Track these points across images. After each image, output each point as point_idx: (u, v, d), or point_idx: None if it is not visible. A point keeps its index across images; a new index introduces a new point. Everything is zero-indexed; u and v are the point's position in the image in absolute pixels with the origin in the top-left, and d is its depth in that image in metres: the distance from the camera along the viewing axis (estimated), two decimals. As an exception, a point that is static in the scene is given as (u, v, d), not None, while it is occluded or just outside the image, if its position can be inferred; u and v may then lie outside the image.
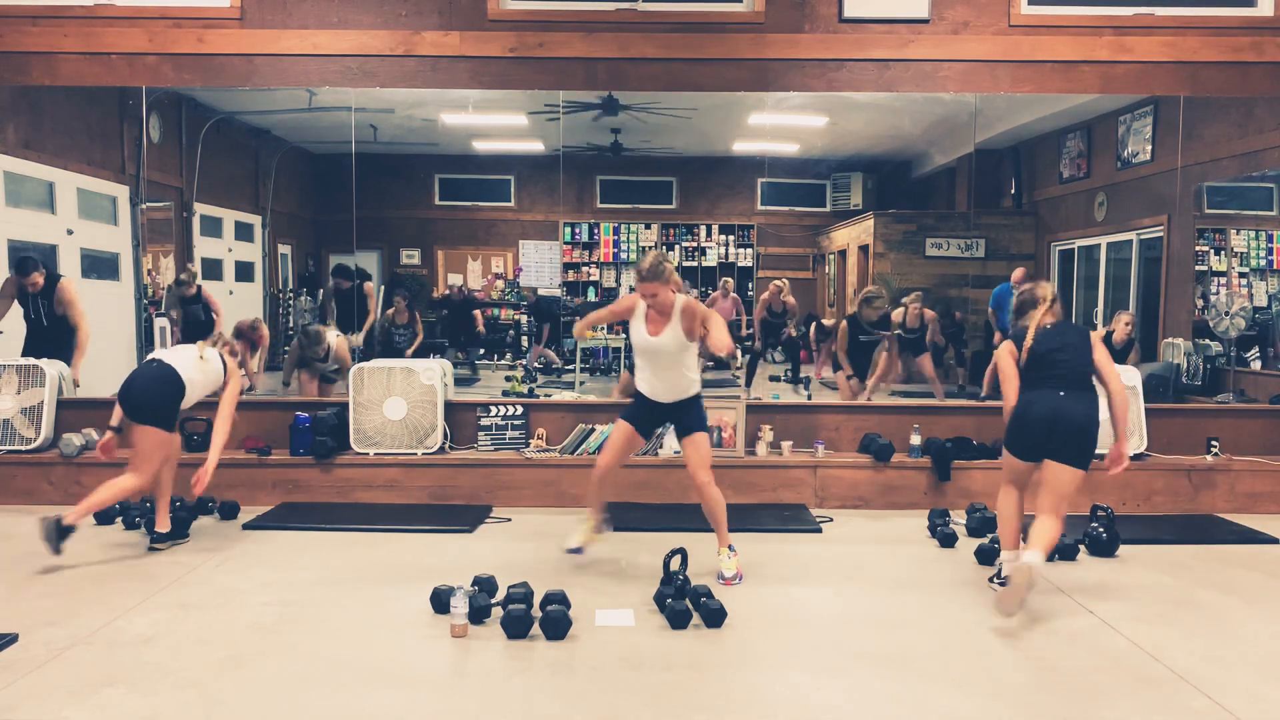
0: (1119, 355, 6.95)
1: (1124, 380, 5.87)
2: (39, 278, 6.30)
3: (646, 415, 4.39)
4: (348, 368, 6.49)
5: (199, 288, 7.53)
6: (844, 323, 7.57)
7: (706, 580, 4.01)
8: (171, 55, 6.11)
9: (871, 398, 7.35)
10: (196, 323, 7.30)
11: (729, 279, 10.78)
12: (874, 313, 7.42)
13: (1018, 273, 8.40)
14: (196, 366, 4.76)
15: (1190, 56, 6.07)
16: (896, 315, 7.92)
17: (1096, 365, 4.06)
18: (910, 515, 5.58)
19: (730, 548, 4.34)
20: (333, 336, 7.17)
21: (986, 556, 4.63)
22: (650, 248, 11.24)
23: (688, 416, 4.31)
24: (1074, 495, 4.06)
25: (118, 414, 4.73)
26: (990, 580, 4.28)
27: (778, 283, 9.04)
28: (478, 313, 10.52)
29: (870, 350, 7.57)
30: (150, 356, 4.84)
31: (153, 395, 4.62)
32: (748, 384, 8.64)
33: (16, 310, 6.42)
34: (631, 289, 11.00)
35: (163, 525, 4.80)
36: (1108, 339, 7.03)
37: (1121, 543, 4.82)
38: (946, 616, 3.87)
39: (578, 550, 4.56)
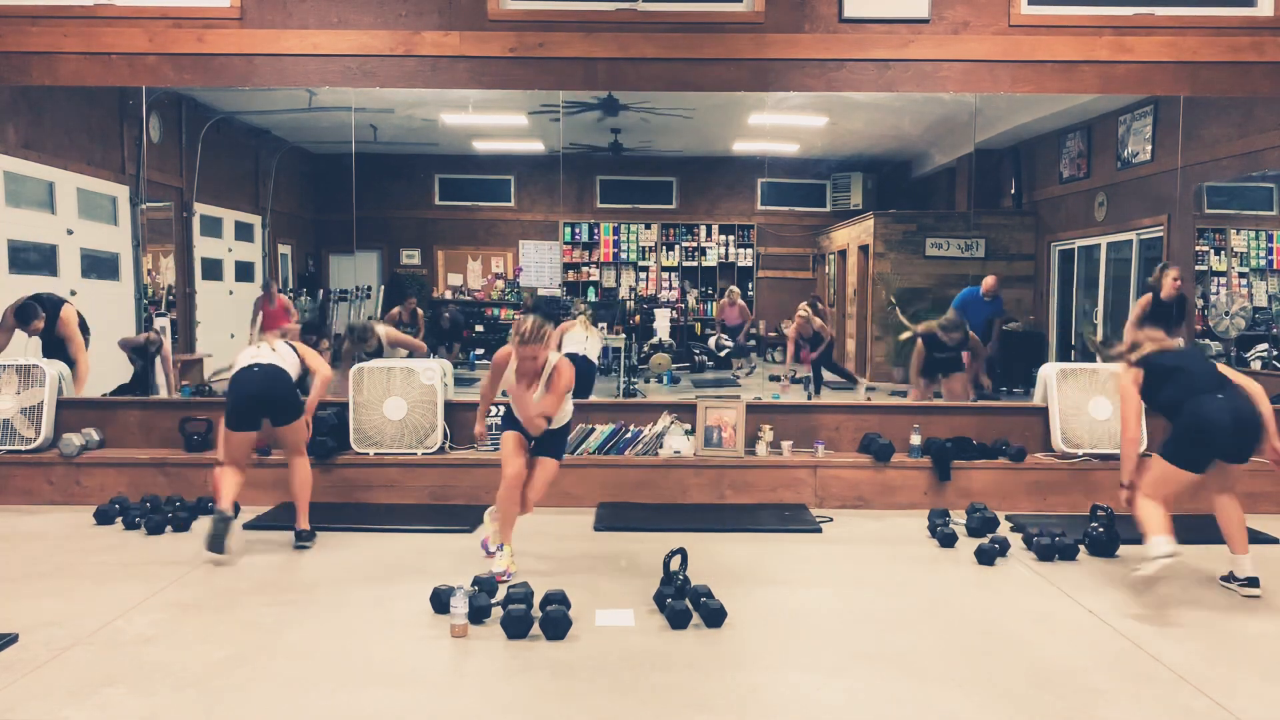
0: (1173, 315, 6.61)
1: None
2: (39, 325, 6.31)
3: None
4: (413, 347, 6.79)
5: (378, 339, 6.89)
6: (919, 342, 7.18)
7: (706, 580, 4.00)
8: (171, 55, 6.11)
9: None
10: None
11: (735, 287, 10.78)
12: (950, 338, 7.07)
13: (989, 280, 8.35)
14: (282, 360, 4.89)
15: (1190, 56, 6.07)
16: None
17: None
18: (910, 515, 5.58)
19: (501, 547, 4.40)
20: (380, 329, 7.07)
21: (986, 556, 4.63)
22: (651, 248, 11.25)
23: (549, 440, 4.51)
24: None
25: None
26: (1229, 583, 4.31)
27: (801, 313, 8.83)
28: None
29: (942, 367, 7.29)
30: (247, 364, 4.84)
31: (280, 395, 4.77)
32: (816, 391, 8.58)
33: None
34: (633, 289, 11.03)
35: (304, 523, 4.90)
36: (1156, 297, 6.63)
37: (1121, 543, 4.82)
38: (946, 616, 3.87)
39: (506, 576, 4.30)
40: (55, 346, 6.39)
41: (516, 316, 4.41)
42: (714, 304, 11.02)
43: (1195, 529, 5.35)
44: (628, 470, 5.78)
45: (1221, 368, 4.29)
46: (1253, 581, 4.18)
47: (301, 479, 4.89)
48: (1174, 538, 4.01)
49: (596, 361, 6.72)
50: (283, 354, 4.92)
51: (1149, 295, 6.73)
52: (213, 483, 4.90)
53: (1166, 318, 6.52)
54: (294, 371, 4.93)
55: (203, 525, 5.22)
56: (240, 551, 4.69)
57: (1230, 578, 4.31)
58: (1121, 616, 3.87)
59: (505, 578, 4.23)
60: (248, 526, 5.17)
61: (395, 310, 8.91)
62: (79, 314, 6.46)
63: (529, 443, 4.49)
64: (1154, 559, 3.95)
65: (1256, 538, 5.17)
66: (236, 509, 4.85)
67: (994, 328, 8.37)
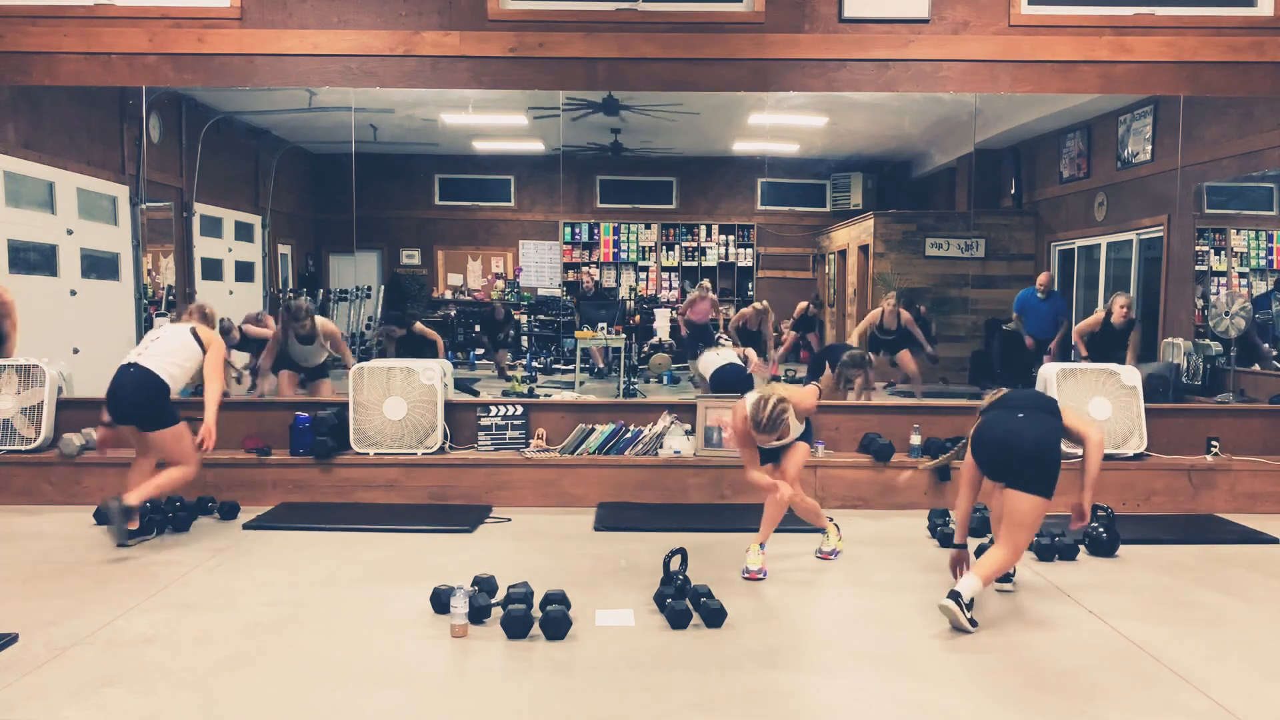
0: (1120, 337, 6.98)
1: (1125, 380, 5.91)
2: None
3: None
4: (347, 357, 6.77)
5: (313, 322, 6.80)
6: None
7: (706, 580, 4.01)
8: (171, 55, 6.11)
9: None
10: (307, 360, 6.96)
11: (706, 280, 10.73)
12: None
13: (1042, 278, 8.42)
14: (171, 359, 4.85)
15: (1190, 56, 6.07)
16: (874, 316, 7.96)
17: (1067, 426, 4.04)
18: (910, 515, 5.58)
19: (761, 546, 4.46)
20: (318, 318, 6.99)
21: (986, 556, 4.63)
22: (651, 248, 11.25)
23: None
24: (1034, 525, 3.87)
25: (106, 413, 4.90)
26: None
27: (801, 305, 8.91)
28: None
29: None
30: (126, 361, 4.84)
31: (143, 403, 4.75)
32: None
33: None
34: (633, 289, 11.02)
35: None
36: (1106, 320, 7.04)
37: (1121, 543, 4.82)
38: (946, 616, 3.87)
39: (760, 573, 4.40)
40: None
41: (747, 400, 4.33)
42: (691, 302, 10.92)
43: (1196, 528, 5.36)
44: (628, 470, 5.78)
45: (1066, 411, 4.07)
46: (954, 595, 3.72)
47: (170, 478, 4.80)
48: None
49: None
50: (173, 347, 4.90)
51: (1102, 315, 7.16)
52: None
53: (1112, 340, 7.00)
54: (180, 374, 4.89)
55: (202, 525, 5.24)
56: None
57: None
58: (1121, 616, 3.87)
59: (833, 555, 4.63)
60: (248, 526, 5.17)
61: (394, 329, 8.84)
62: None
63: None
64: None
65: (1256, 537, 5.18)
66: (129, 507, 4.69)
67: (1064, 327, 8.30)
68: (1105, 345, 7.00)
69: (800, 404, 4.39)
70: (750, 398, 4.32)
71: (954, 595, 3.68)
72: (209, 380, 5.00)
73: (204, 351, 4.99)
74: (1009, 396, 4.17)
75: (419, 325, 8.26)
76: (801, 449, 4.56)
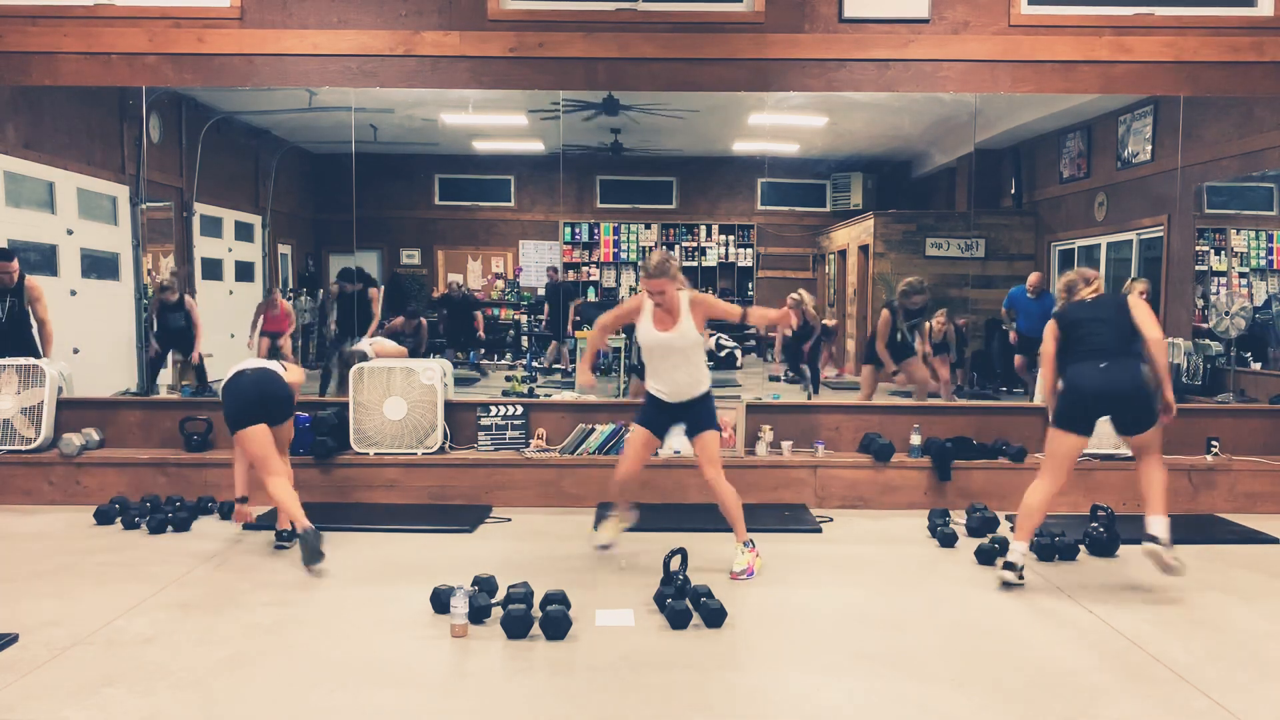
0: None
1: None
2: (16, 266, 6.21)
3: (658, 417, 4.42)
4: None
5: (181, 296, 7.32)
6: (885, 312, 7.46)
7: (706, 580, 4.01)
8: (171, 55, 6.11)
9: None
10: (176, 330, 7.20)
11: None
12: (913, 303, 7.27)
13: (1033, 277, 8.40)
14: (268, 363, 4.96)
15: (1190, 56, 6.07)
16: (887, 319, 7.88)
17: (1135, 319, 4.22)
18: (910, 515, 5.58)
19: (746, 544, 4.39)
20: (370, 352, 7.03)
21: (986, 556, 4.63)
22: (651, 248, 11.25)
23: (697, 416, 4.35)
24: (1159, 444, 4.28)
25: (243, 483, 4.83)
26: (1005, 568, 4.22)
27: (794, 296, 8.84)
28: (478, 313, 10.51)
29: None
30: (237, 369, 4.85)
31: (275, 390, 4.79)
32: (815, 390, 8.56)
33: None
34: (634, 290, 11.03)
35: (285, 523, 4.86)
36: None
37: (1121, 543, 4.82)
38: (946, 616, 3.87)
39: (607, 546, 4.60)
40: (18, 319, 6.29)
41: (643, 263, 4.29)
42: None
43: (1196, 528, 5.36)
44: (628, 470, 5.77)
45: (1139, 318, 4.25)
46: (1153, 539, 4.12)
47: (287, 478, 4.86)
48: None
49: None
50: (269, 364, 4.98)
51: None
52: (277, 502, 4.66)
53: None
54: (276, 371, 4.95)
55: (202, 525, 5.24)
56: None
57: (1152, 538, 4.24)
58: (1121, 616, 3.87)
59: (742, 576, 4.31)
60: (248, 527, 5.17)
61: (397, 321, 8.87)
62: None
63: (662, 439, 4.49)
64: (1010, 570, 4.11)
65: (1256, 537, 5.18)
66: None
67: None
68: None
69: (704, 296, 4.29)
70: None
71: (1151, 538, 4.05)
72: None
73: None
74: (1089, 333, 4.27)
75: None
76: (712, 437, 4.34)
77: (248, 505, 4.90)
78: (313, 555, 4.38)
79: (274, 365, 4.93)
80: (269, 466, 4.63)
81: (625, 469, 4.47)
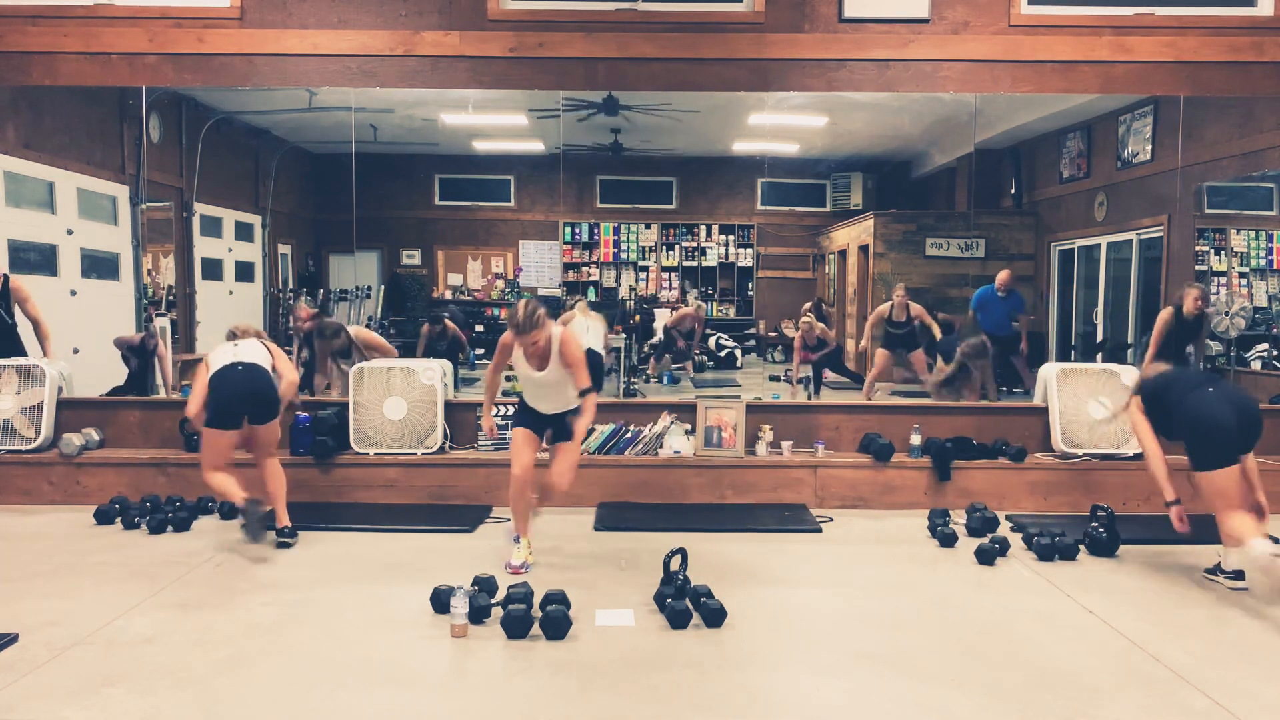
0: (1191, 332, 6.71)
1: (1125, 380, 5.90)
2: None
3: (536, 421, 4.59)
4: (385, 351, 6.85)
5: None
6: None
7: (707, 580, 4.01)
8: (171, 55, 6.11)
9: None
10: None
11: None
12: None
13: (1003, 275, 8.38)
14: (259, 357, 4.91)
15: (1190, 56, 6.07)
16: (883, 309, 7.94)
17: None
18: (910, 515, 5.58)
19: (518, 539, 4.51)
20: (351, 329, 7.08)
21: (986, 556, 4.63)
22: (650, 248, 11.25)
23: (564, 427, 4.54)
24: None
25: (235, 486, 4.79)
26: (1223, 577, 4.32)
27: (805, 320, 8.84)
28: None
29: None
30: (229, 361, 4.81)
31: (263, 389, 4.79)
32: (816, 392, 8.60)
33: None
34: (633, 290, 11.02)
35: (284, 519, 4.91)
36: (1178, 313, 6.64)
37: (1121, 543, 4.82)
38: (946, 616, 3.87)
39: (524, 568, 4.42)
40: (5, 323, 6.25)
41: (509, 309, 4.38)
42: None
43: (1196, 529, 5.35)
44: (628, 470, 5.78)
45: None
46: (1238, 574, 4.24)
47: (277, 477, 4.91)
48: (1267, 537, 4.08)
49: (602, 352, 6.66)
50: (258, 351, 4.93)
51: (1170, 310, 6.73)
52: (215, 490, 4.83)
53: (1186, 334, 6.70)
54: (268, 368, 4.94)
55: (202, 525, 5.24)
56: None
57: (1217, 569, 4.35)
58: (1121, 616, 3.87)
59: (523, 569, 4.35)
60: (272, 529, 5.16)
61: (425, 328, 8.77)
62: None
63: (540, 438, 4.57)
64: (1258, 557, 4.02)
65: (1256, 538, 5.17)
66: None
67: (1022, 325, 8.35)
68: (1178, 340, 6.66)
69: (570, 339, 4.39)
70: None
71: (1238, 574, 4.18)
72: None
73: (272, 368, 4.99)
74: (1182, 377, 4.48)
75: (449, 322, 8.42)
76: (572, 450, 4.51)
77: (261, 501, 4.81)
78: (254, 530, 4.52)
79: (263, 357, 4.88)
80: (213, 465, 4.69)
81: (520, 470, 4.47)
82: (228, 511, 5.36)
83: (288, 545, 4.78)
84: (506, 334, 4.41)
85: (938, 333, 8.03)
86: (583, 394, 4.39)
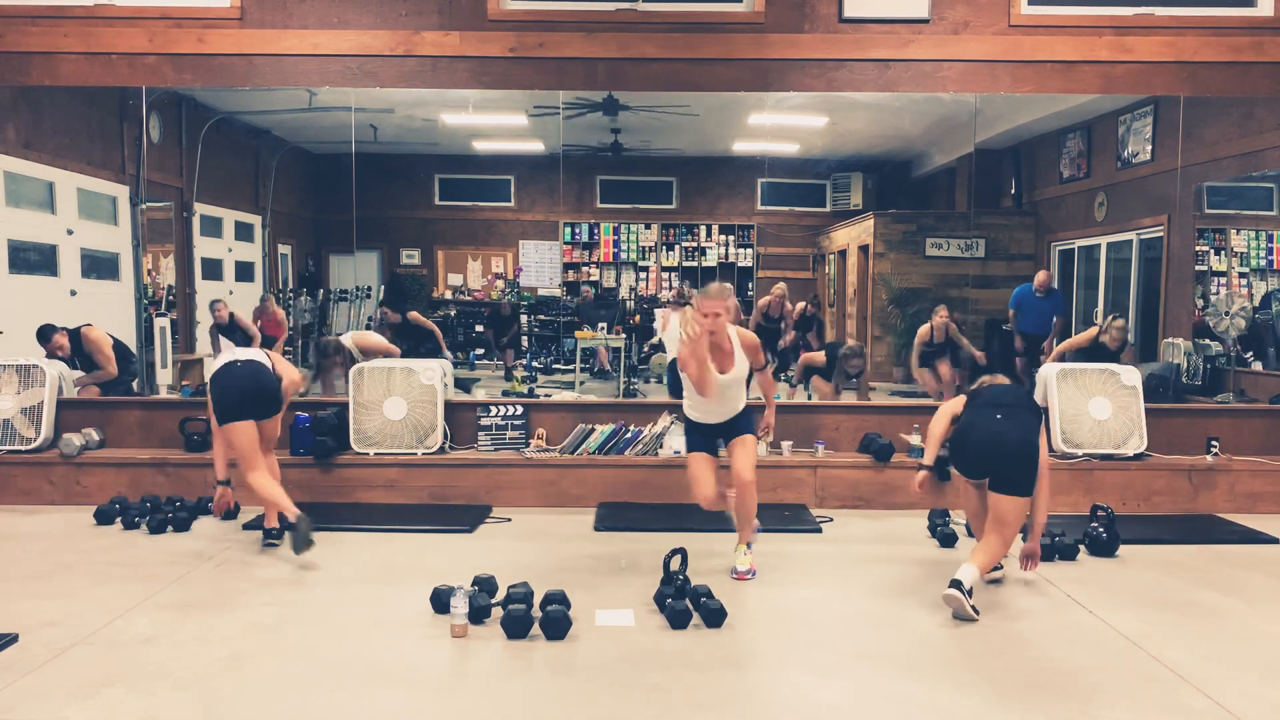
0: (1110, 360, 6.81)
1: (1125, 380, 5.91)
2: (63, 340, 6.30)
3: (707, 439, 4.45)
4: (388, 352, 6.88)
5: None
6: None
7: (706, 580, 4.01)
8: (171, 55, 6.10)
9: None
10: None
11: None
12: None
13: (1041, 276, 8.39)
14: (258, 356, 4.91)
15: (1190, 56, 6.07)
16: (924, 333, 7.93)
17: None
18: (910, 515, 5.58)
19: (749, 545, 4.44)
20: (347, 341, 7.09)
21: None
22: (650, 248, 11.26)
23: (735, 428, 4.41)
24: (1019, 521, 4.06)
25: (223, 467, 4.80)
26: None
27: (778, 291, 8.93)
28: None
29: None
30: (227, 360, 4.82)
31: (265, 384, 4.76)
32: None
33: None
34: (633, 290, 11.02)
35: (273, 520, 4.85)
36: (1096, 341, 6.96)
37: (1121, 543, 4.82)
38: (946, 616, 3.87)
39: (749, 574, 4.39)
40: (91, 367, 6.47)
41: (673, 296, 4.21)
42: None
43: (1196, 528, 5.36)
44: (628, 470, 5.78)
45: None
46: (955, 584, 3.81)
47: (274, 474, 4.89)
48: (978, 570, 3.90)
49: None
50: (256, 354, 4.96)
51: (1093, 333, 7.05)
52: (265, 499, 4.69)
53: (1100, 357, 6.82)
54: (269, 367, 4.92)
55: (202, 525, 5.24)
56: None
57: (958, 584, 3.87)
58: (1122, 616, 3.87)
59: (748, 575, 4.32)
60: (248, 526, 5.17)
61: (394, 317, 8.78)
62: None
63: (715, 454, 4.48)
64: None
65: (1256, 537, 5.18)
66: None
67: (1057, 328, 8.36)
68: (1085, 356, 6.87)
69: (745, 332, 4.31)
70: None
71: (955, 584, 3.75)
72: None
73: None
74: (988, 392, 4.26)
75: (414, 314, 8.34)
76: (751, 442, 4.39)
77: (228, 490, 4.84)
78: (303, 543, 4.40)
79: (262, 357, 4.90)
80: (252, 462, 4.64)
81: (705, 492, 4.41)
82: (227, 512, 5.36)
83: (274, 546, 4.77)
84: (661, 310, 4.33)
85: (975, 352, 8.05)
86: (761, 369, 4.40)
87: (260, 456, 4.69)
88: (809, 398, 8.10)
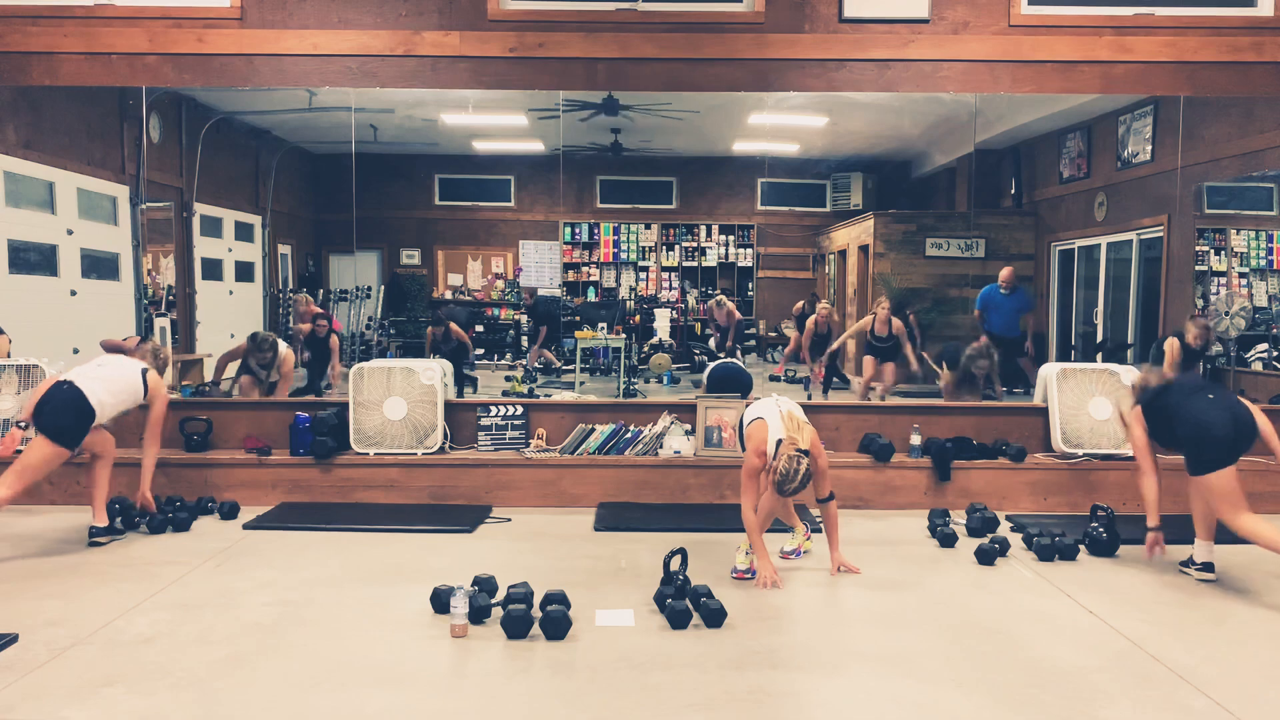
0: (1196, 358, 6.77)
1: (1125, 380, 5.90)
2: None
3: None
4: (289, 383, 6.77)
5: None
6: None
7: (706, 580, 4.01)
8: (171, 55, 6.10)
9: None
10: None
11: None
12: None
13: (1005, 272, 8.39)
14: (109, 389, 4.78)
15: (1190, 56, 6.07)
16: (865, 322, 7.99)
17: None
18: (910, 515, 5.58)
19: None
20: (283, 346, 7.01)
21: (986, 556, 4.63)
22: (650, 248, 11.26)
23: None
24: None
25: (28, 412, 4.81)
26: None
27: (824, 307, 8.99)
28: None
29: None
30: (63, 377, 4.77)
31: (65, 418, 4.64)
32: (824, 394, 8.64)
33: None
34: (633, 290, 11.01)
35: (101, 519, 4.87)
36: (1183, 343, 6.75)
37: (1121, 543, 4.82)
38: (946, 616, 3.87)
39: (794, 554, 4.70)
40: None
41: (777, 461, 4.19)
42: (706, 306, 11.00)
43: (1193, 528, 5.35)
44: (628, 470, 5.78)
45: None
46: (1207, 566, 4.40)
47: (108, 477, 4.93)
48: None
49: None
50: (118, 384, 4.85)
51: (1177, 341, 6.75)
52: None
53: (1192, 359, 6.75)
54: (121, 400, 4.85)
55: (202, 525, 5.24)
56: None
57: (1189, 562, 4.49)
58: (1121, 616, 3.87)
59: (748, 575, 4.34)
60: (248, 526, 5.17)
61: (430, 331, 8.70)
62: None
63: None
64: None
65: (1256, 538, 5.17)
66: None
67: (1025, 323, 8.37)
68: (1185, 364, 6.65)
69: (818, 458, 4.30)
70: (774, 436, 4.23)
71: (1207, 566, 4.34)
72: (149, 442, 5.02)
73: (146, 393, 4.96)
74: (1181, 384, 4.56)
75: (454, 326, 8.45)
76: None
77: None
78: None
79: (99, 387, 4.72)
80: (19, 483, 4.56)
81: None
82: (228, 511, 5.37)
83: (99, 544, 4.78)
84: (751, 463, 4.31)
85: (913, 361, 8.04)
86: (825, 501, 4.46)
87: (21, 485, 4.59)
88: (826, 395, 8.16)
